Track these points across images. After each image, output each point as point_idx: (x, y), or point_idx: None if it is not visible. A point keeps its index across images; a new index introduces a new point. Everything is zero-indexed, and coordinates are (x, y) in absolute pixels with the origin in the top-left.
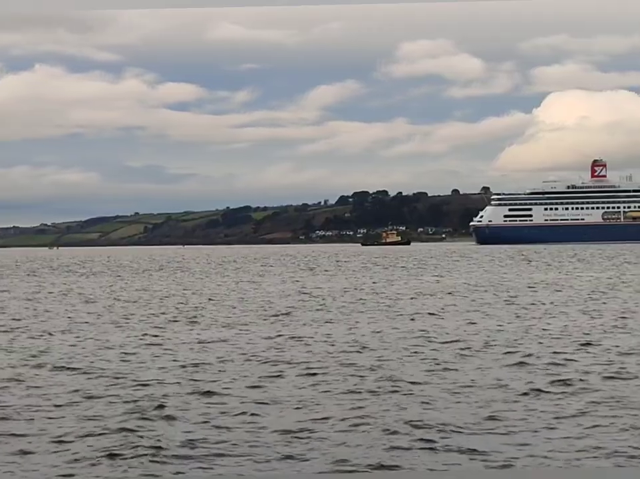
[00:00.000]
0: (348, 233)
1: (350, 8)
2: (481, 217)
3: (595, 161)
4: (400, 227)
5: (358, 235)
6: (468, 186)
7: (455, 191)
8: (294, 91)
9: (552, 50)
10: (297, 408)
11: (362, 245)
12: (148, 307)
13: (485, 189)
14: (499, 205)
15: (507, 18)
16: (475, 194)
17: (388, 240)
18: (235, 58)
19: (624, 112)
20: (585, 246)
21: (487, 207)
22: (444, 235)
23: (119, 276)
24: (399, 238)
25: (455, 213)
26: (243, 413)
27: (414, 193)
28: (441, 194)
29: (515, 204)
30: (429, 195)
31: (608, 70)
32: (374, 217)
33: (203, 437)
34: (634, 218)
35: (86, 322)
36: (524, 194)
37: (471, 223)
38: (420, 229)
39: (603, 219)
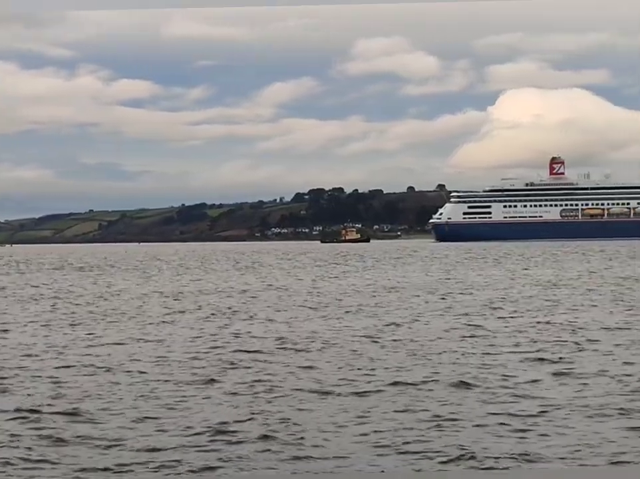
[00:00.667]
0: (304, 230)
1: (306, 7)
2: (441, 214)
3: (553, 158)
4: (356, 225)
5: (314, 233)
6: (424, 184)
7: (410, 188)
8: (249, 88)
9: (507, 49)
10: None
11: (322, 242)
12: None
13: (441, 186)
14: (459, 202)
15: (462, 17)
16: (430, 191)
17: (347, 237)
18: (190, 54)
19: (578, 110)
20: (542, 243)
21: (446, 205)
22: (399, 233)
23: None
24: (359, 235)
25: (410, 210)
26: None
27: (369, 191)
28: (396, 191)
29: (474, 202)
30: (385, 192)
31: (562, 68)
32: (330, 214)
33: None
34: (591, 216)
35: None
36: (483, 192)
37: (430, 221)
38: (376, 227)
39: (561, 216)
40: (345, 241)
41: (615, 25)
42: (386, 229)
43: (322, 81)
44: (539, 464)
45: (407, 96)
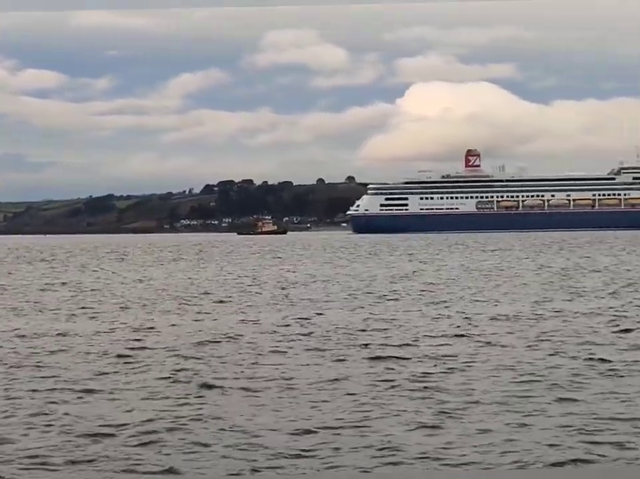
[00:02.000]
0: (213, 222)
1: None
2: (358, 206)
3: (469, 151)
4: (266, 217)
5: (223, 225)
6: (333, 176)
7: (320, 180)
8: (157, 79)
9: (416, 43)
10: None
11: (238, 234)
12: None
13: (350, 178)
14: (376, 194)
15: (372, 9)
16: (340, 184)
17: (264, 229)
18: (97, 45)
19: (485, 103)
20: (458, 235)
21: (363, 197)
22: (309, 225)
23: None
24: (275, 227)
25: (320, 202)
26: None
27: (279, 183)
28: (306, 183)
29: (391, 194)
30: (294, 184)
31: (470, 62)
32: (240, 206)
33: None
34: (506, 208)
35: None
36: (400, 184)
37: (347, 212)
38: (286, 219)
39: (477, 208)
40: (262, 232)
41: (521, 19)
42: (295, 221)
43: (231, 72)
44: None
45: (316, 88)
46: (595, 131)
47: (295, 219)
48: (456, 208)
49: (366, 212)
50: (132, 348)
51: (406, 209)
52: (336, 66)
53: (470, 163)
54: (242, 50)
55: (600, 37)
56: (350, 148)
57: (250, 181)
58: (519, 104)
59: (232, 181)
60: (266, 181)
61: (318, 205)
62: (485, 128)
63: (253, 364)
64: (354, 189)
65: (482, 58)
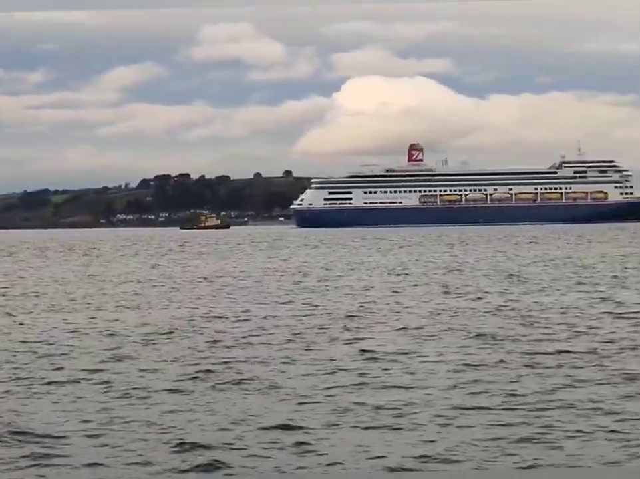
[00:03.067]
0: (149, 216)
1: None
2: (302, 200)
3: (412, 145)
4: (204, 211)
5: (160, 219)
6: (270, 170)
7: (257, 174)
8: (92, 72)
9: (353, 37)
10: None
11: (181, 228)
12: None
13: (288, 172)
14: (319, 188)
15: (309, 3)
16: (277, 178)
17: (207, 224)
18: (31, 38)
19: (422, 98)
20: (400, 229)
21: (307, 191)
22: (246, 219)
23: None
24: (218, 221)
25: (257, 196)
26: None
27: (216, 177)
28: (243, 178)
29: (335, 188)
30: (232, 178)
31: (407, 56)
32: (176, 200)
33: None
34: (449, 201)
35: None
36: (344, 178)
37: (291, 206)
38: (223, 213)
39: (420, 202)
40: (205, 227)
41: (457, 14)
42: (233, 216)
43: (167, 66)
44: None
45: (253, 82)
46: (531, 125)
47: (232, 213)
48: (400, 202)
49: (310, 206)
50: None
51: (349, 203)
52: (273, 60)
53: (413, 158)
54: (178, 44)
55: (535, 31)
56: (287, 142)
57: (187, 175)
58: (455, 99)
59: (169, 175)
60: (203, 176)
61: (255, 199)
62: (421, 122)
63: None
64: (291, 183)
65: (418, 53)
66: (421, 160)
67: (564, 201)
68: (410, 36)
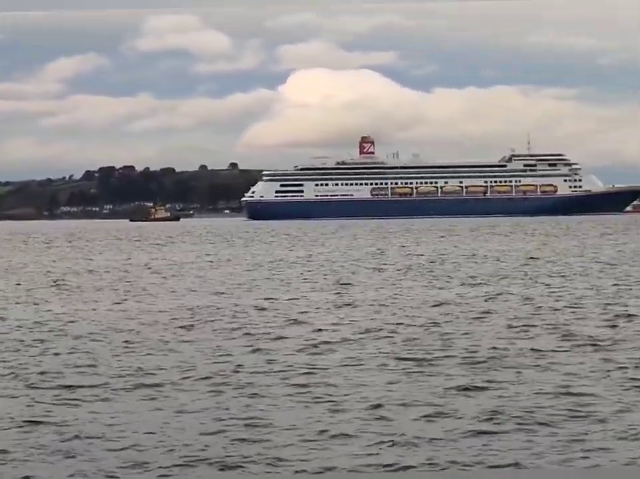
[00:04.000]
0: (94, 209)
1: None
2: (253, 192)
3: (363, 138)
4: (147, 203)
5: (104, 211)
6: (216, 162)
7: (203, 167)
8: (34, 63)
9: (298, 29)
10: None
11: (131, 221)
12: None
13: (233, 165)
14: (271, 181)
15: None
16: (223, 170)
17: (157, 216)
18: None
19: (367, 91)
20: (351, 221)
21: (258, 183)
22: (192, 212)
23: None
24: (168, 214)
25: (203, 189)
26: None
27: (161, 169)
28: (189, 170)
29: (286, 180)
30: (177, 171)
31: (352, 49)
32: (121, 192)
33: None
34: (401, 194)
35: None
36: (295, 170)
37: (242, 199)
38: (168, 205)
39: (371, 195)
40: (155, 219)
41: (402, 7)
42: (178, 208)
43: (111, 57)
44: None
45: (198, 73)
46: (477, 118)
47: (177, 206)
48: (351, 195)
49: (262, 199)
50: None
51: (301, 196)
52: (218, 51)
53: (365, 150)
54: (122, 35)
55: (479, 25)
56: (233, 135)
57: (131, 167)
58: (400, 92)
59: (113, 167)
60: (148, 168)
61: (201, 192)
62: (366, 114)
63: None
64: (237, 176)
65: (364, 46)
66: (372, 153)
67: (514, 194)
68: (355, 30)
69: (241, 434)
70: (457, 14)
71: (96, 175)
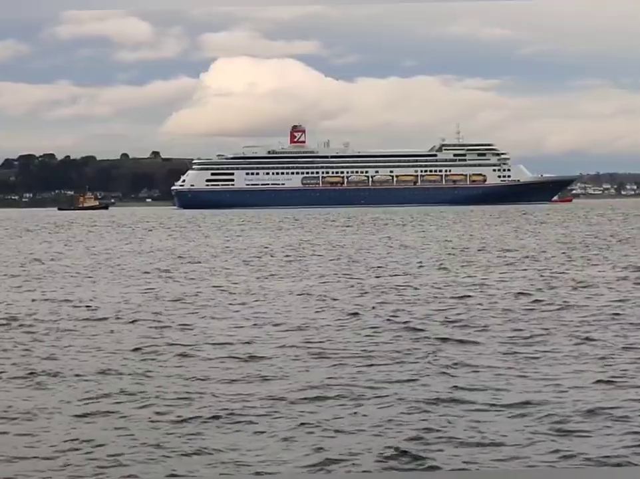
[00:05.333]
0: (13, 197)
1: None
2: (184, 181)
3: (294, 127)
4: (69, 192)
5: (24, 200)
6: (138, 150)
7: (124, 155)
8: None
9: (221, 17)
10: None
11: (59, 209)
12: None
13: (155, 153)
14: (201, 169)
15: None
16: (145, 159)
17: (85, 204)
18: None
19: (290, 79)
20: (282, 210)
21: (189, 172)
22: (113, 200)
23: None
24: (97, 202)
25: (124, 177)
26: None
27: (82, 157)
28: (110, 158)
29: (217, 169)
30: (98, 159)
31: (275, 38)
32: (41, 181)
33: None
34: (331, 184)
35: None
36: (226, 159)
37: (172, 187)
38: (90, 194)
39: (302, 184)
40: (84, 208)
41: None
42: (100, 197)
43: (31, 44)
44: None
45: (119, 61)
46: (399, 108)
47: (98, 194)
48: (282, 184)
49: (192, 188)
50: None
51: (232, 185)
52: (140, 39)
53: (296, 140)
54: (42, 22)
55: (401, 15)
56: (154, 123)
57: (52, 155)
58: (323, 81)
59: (33, 155)
60: (68, 156)
61: (122, 180)
62: (289, 103)
63: None
64: (159, 164)
65: (287, 35)
66: (303, 142)
67: (444, 183)
68: (278, 18)
69: None
70: (379, 5)
71: (16, 163)
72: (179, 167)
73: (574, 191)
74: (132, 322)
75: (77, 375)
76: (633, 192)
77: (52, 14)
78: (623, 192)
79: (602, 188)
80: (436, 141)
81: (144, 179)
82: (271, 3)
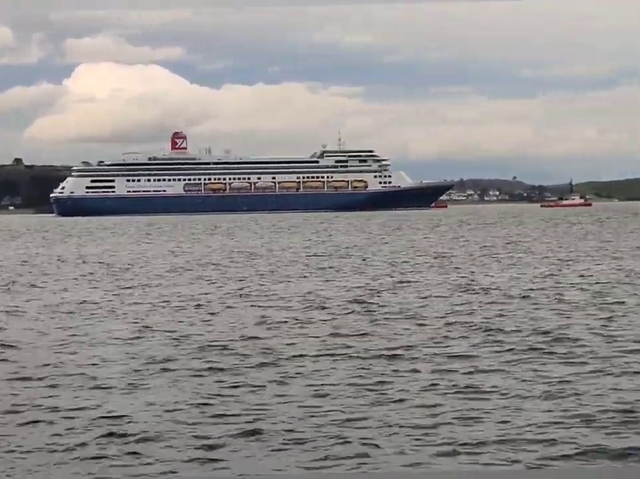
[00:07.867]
0: None
1: None
2: (63, 188)
3: (175, 133)
4: None
5: None
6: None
7: None
8: None
9: (84, 23)
10: None
11: None
12: None
13: (18, 160)
14: (81, 176)
15: None
16: (6, 166)
17: None
18: None
19: (155, 86)
20: (163, 217)
21: (68, 178)
22: None
23: None
24: None
25: None
26: None
27: None
28: None
29: (97, 176)
30: None
31: (140, 44)
32: None
33: None
34: (214, 190)
35: None
36: (106, 165)
37: (51, 195)
38: None
39: (184, 190)
40: None
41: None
42: None
43: None
44: None
45: None
46: (266, 115)
47: None
48: (164, 190)
49: (72, 194)
50: None
51: (112, 192)
52: (1, 44)
53: (177, 146)
54: None
55: (267, 21)
56: (16, 129)
57: None
58: (189, 87)
59: None
60: None
61: None
62: (155, 109)
63: None
64: (22, 171)
65: (152, 41)
66: (185, 148)
67: (326, 189)
68: (143, 24)
69: None
70: (244, 11)
71: None
72: (43, 174)
73: (440, 198)
74: None
75: None
76: (495, 198)
77: None
78: (486, 198)
79: (466, 194)
80: (316, 147)
81: (6, 187)
82: (135, 7)
